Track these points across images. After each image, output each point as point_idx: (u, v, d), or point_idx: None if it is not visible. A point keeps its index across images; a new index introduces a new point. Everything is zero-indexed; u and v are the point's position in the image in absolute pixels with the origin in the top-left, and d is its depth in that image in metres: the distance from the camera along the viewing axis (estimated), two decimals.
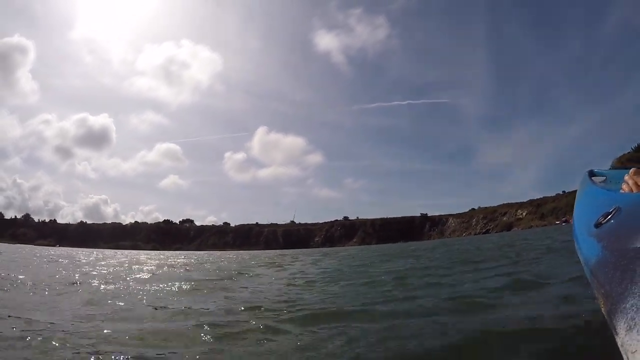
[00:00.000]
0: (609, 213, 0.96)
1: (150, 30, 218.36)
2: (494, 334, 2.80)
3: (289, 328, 3.48)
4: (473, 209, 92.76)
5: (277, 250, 61.88)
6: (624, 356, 0.58)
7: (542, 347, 2.35)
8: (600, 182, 1.74)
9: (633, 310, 0.60)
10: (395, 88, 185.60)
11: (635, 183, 1.24)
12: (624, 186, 1.28)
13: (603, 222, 0.96)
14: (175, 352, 2.81)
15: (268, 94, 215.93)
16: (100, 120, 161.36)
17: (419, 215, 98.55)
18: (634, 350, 0.55)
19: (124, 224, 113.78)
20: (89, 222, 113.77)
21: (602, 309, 0.73)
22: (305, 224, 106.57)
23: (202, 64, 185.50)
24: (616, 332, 0.63)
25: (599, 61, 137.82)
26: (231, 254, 32.26)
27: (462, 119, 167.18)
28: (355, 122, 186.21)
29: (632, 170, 1.28)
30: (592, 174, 1.92)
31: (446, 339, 2.75)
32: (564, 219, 73.93)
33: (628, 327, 0.59)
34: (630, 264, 0.68)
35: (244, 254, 34.58)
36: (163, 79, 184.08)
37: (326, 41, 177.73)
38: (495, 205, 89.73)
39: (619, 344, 0.61)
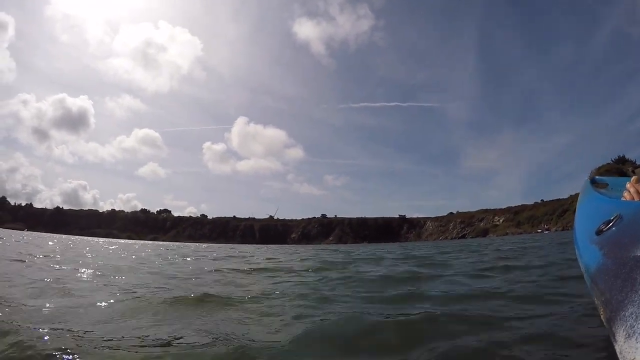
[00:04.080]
0: (611, 220, 0.96)
1: (127, 9, 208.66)
2: None
3: None
4: (451, 213, 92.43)
5: (249, 245, 60.81)
6: None
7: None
8: (602, 190, 1.73)
9: (632, 318, 0.60)
10: (382, 87, 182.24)
11: (637, 191, 1.24)
12: (626, 194, 1.29)
13: (604, 229, 0.96)
14: None
15: (248, 83, 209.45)
16: (78, 102, 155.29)
17: (397, 216, 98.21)
18: (632, 358, 0.56)
19: (101, 211, 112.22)
20: (66, 207, 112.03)
21: (602, 316, 0.73)
22: (283, 219, 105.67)
23: (181, 47, 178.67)
24: (615, 339, 0.63)
25: (588, 72, 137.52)
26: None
27: (448, 123, 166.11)
28: (338, 120, 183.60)
29: (633, 178, 1.29)
30: (594, 181, 1.93)
31: None
32: (546, 227, 73.78)
33: (627, 335, 0.59)
34: (630, 272, 0.68)
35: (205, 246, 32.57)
36: (141, 61, 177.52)
37: (306, 30, 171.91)
38: (474, 210, 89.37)
39: (618, 351, 0.61)
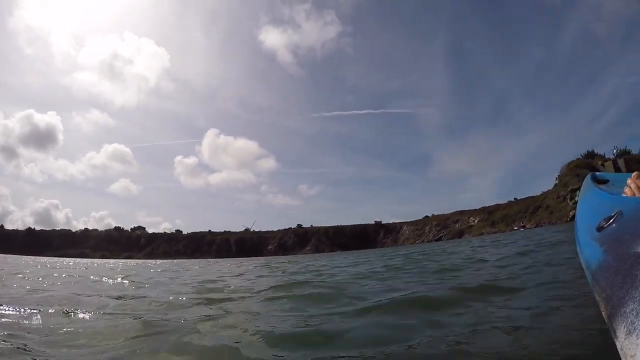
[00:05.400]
0: (611, 217, 0.96)
1: (92, 20, 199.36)
2: None
3: None
4: (427, 216, 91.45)
5: (217, 259, 59.32)
6: (623, 359, 0.59)
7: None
8: (602, 186, 1.75)
9: (633, 314, 0.60)
10: (353, 94, 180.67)
11: (638, 187, 1.25)
12: (627, 190, 1.29)
13: (605, 225, 0.96)
14: None
15: (216, 93, 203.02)
16: (46, 118, 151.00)
17: (373, 223, 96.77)
18: (633, 354, 0.56)
19: (73, 230, 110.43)
20: (38, 228, 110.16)
21: (603, 312, 0.72)
22: (259, 231, 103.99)
23: (147, 59, 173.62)
24: (616, 335, 0.63)
25: (555, 73, 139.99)
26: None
27: (421, 128, 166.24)
28: (310, 129, 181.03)
29: (634, 173, 1.30)
30: (595, 177, 1.93)
31: None
32: (521, 225, 73.02)
33: (628, 331, 0.59)
34: (631, 269, 0.68)
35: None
36: (107, 74, 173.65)
37: (272, 38, 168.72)
38: (449, 212, 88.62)
39: (619, 347, 0.61)
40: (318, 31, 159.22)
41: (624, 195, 1.27)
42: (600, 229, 0.96)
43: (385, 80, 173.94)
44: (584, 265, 0.97)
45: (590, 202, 1.41)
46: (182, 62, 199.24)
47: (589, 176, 1.94)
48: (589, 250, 0.94)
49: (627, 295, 0.63)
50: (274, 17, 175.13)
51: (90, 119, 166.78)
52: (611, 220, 0.94)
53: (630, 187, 1.25)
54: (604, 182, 1.84)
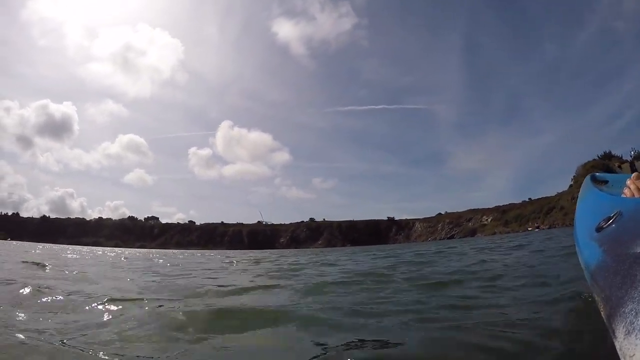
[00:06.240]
0: (611, 217, 0.97)
1: (104, 11, 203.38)
2: None
3: None
4: (440, 213, 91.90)
5: (234, 251, 59.67)
6: (622, 359, 0.59)
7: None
8: (602, 186, 1.77)
9: (632, 314, 0.60)
10: (367, 89, 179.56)
11: (637, 188, 1.26)
12: (626, 191, 1.31)
13: (604, 226, 0.96)
14: None
15: (231, 85, 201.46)
16: (62, 108, 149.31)
17: (386, 219, 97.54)
18: (632, 354, 0.56)
19: (88, 219, 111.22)
20: (52, 216, 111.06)
21: (602, 312, 0.72)
22: (272, 224, 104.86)
23: (161, 50, 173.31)
24: (615, 335, 0.63)
25: (571, 72, 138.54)
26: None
27: (436, 124, 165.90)
28: (325, 122, 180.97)
29: (634, 174, 1.31)
30: (594, 177, 1.95)
31: None
32: (536, 225, 73.24)
33: (627, 331, 0.59)
34: (630, 269, 0.69)
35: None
36: (121, 65, 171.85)
37: (286, 30, 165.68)
38: (462, 210, 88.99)
39: (618, 347, 0.61)
40: (332, 23, 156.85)
41: (623, 196, 1.29)
42: (599, 229, 0.97)
43: (399, 74, 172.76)
44: (583, 266, 0.98)
45: (589, 203, 1.45)
46: (197, 54, 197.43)
47: (588, 177, 1.98)
48: (588, 251, 0.96)
49: (626, 296, 0.64)
50: (287, 9, 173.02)
51: (104, 109, 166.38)
52: (610, 221, 0.95)
53: (630, 188, 1.27)
54: (604, 182, 1.87)
